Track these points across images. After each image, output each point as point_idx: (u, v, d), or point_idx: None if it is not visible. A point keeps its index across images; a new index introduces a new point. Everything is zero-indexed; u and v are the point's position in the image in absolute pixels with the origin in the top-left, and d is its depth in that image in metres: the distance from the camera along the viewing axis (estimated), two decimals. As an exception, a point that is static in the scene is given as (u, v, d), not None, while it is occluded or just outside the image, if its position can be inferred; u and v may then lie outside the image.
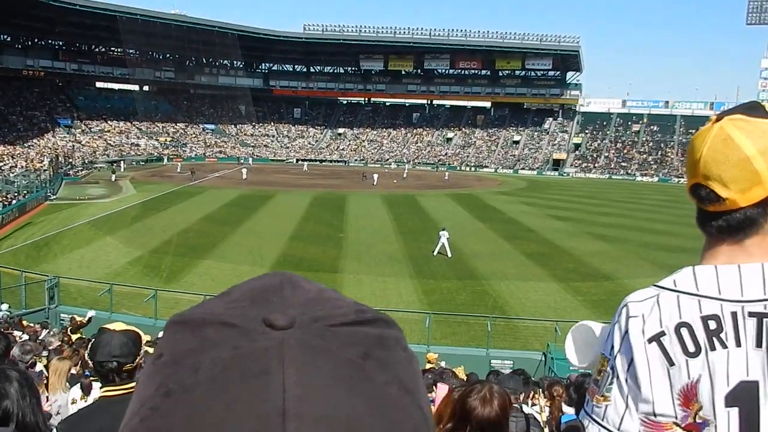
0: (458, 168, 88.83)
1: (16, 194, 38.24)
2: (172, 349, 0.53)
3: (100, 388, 3.05)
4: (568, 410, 5.71)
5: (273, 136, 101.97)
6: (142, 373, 0.55)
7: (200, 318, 0.54)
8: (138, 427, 0.49)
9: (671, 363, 1.23)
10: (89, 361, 3.06)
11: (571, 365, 1.70)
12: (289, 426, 0.45)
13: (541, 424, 4.88)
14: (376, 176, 61.06)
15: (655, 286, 1.32)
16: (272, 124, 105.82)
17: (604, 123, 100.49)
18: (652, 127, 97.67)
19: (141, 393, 0.52)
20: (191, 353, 0.51)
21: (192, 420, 0.47)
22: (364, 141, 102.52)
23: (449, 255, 25.85)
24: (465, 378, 9.21)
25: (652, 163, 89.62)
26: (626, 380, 1.27)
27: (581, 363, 1.63)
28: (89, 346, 3.09)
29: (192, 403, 0.48)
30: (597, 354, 1.42)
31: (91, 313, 13.11)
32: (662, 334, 1.25)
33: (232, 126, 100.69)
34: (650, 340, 1.25)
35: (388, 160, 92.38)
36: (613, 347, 1.31)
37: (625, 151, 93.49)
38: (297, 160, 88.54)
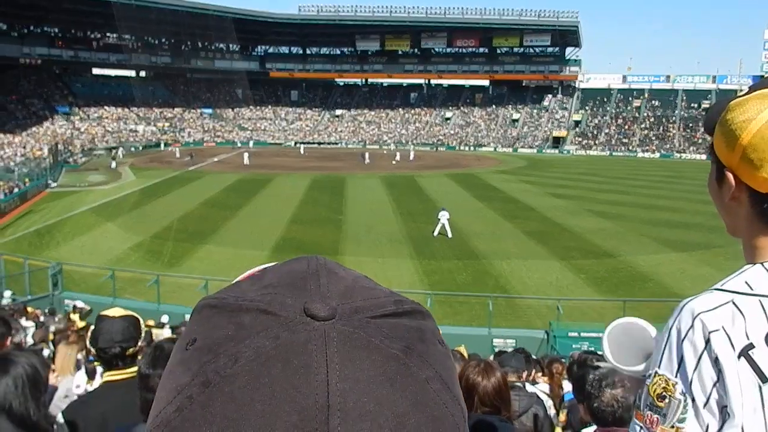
0: (457, 147, 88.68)
1: (17, 183, 38.24)
2: (207, 335, 0.51)
3: (104, 372, 3.08)
4: (569, 387, 5.74)
5: (270, 119, 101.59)
6: (173, 359, 0.53)
7: (236, 303, 0.52)
8: (173, 417, 0.48)
9: (764, 379, 1.09)
10: (91, 348, 3.08)
11: (618, 367, 1.46)
12: (332, 422, 0.44)
13: (545, 402, 4.91)
14: (367, 155, 62.89)
15: (719, 290, 1.17)
16: (269, 107, 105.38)
17: (605, 99, 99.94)
18: (653, 102, 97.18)
19: (174, 380, 0.50)
20: (228, 341, 0.49)
21: (232, 412, 0.45)
22: (362, 122, 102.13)
23: (449, 235, 25.86)
24: (467, 358, 9.25)
25: (653, 138, 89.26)
26: (706, 406, 1.11)
27: (633, 366, 1.38)
28: (90, 333, 3.10)
29: (232, 394, 0.46)
30: (649, 361, 1.23)
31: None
32: (750, 347, 1.10)
33: (230, 110, 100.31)
34: (739, 356, 1.10)
35: (386, 141, 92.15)
36: (683, 367, 1.13)
37: (626, 127, 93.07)
38: (295, 143, 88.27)
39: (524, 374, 6.33)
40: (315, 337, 0.48)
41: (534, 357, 9.29)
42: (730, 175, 1.23)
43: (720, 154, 1.25)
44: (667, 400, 1.14)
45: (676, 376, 1.14)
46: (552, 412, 5.10)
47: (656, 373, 1.17)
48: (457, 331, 14.64)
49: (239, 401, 0.46)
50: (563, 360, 8.17)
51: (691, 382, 1.12)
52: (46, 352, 7.12)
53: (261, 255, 22.36)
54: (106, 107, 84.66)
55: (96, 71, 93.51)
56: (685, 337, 1.14)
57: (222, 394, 0.46)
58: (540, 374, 7.41)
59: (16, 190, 36.27)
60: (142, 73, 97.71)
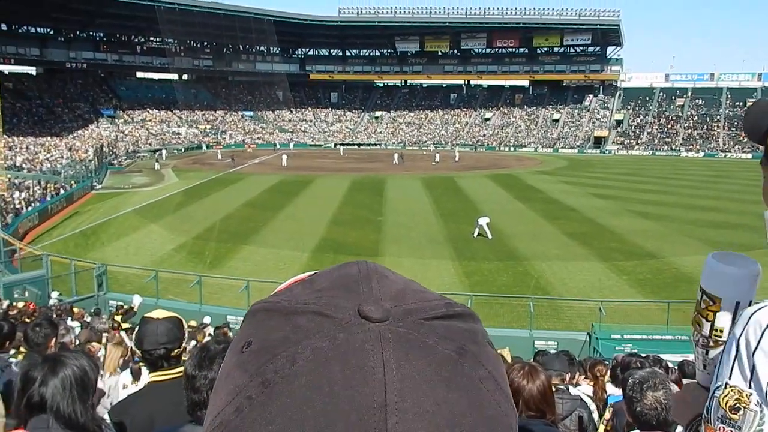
0: (497, 148, 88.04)
1: (63, 184, 39.24)
2: (263, 338, 0.52)
3: (149, 373, 3.12)
4: (613, 390, 5.64)
5: (311, 121, 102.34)
6: (228, 362, 0.54)
7: (290, 306, 0.53)
8: (233, 418, 0.48)
9: None
10: (136, 350, 3.13)
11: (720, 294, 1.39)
12: (390, 420, 0.45)
13: (588, 404, 4.83)
14: (396, 155, 63.72)
15: None
16: (310, 109, 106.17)
17: (647, 98, 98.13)
18: (696, 100, 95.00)
19: (232, 381, 0.51)
20: (285, 342, 0.50)
21: (291, 411, 0.46)
22: (401, 124, 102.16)
23: (489, 236, 25.65)
24: (510, 361, 9.15)
25: (697, 137, 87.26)
26: None
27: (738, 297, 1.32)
28: (134, 335, 3.15)
29: (291, 393, 0.47)
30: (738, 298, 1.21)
31: (137, 300, 13.44)
32: None
33: (270, 112, 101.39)
34: None
35: (425, 142, 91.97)
36: (755, 377, 1.09)
37: (669, 126, 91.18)
38: (335, 145, 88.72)
39: (567, 377, 6.23)
40: (371, 338, 0.49)
41: (577, 359, 9.14)
42: None
43: None
44: (741, 412, 1.09)
45: (750, 387, 1.09)
46: (596, 415, 5.00)
47: (727, 384, 1.12)
48: (498, 333, 14.50)
49: (299, 400, 0.46)
50: (606, 362, 8.02)
51: (766, 393, 1.07)
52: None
53: (302, 256, 22.53)
54: (149, 110, 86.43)
55: (140, 75, 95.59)
56: (757, 348, 1.09)
57: (282, 394, 0.47)
58: (582, 377, 7.29)
59: (62, 191, 37.24)
60: (185, 77, 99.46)
